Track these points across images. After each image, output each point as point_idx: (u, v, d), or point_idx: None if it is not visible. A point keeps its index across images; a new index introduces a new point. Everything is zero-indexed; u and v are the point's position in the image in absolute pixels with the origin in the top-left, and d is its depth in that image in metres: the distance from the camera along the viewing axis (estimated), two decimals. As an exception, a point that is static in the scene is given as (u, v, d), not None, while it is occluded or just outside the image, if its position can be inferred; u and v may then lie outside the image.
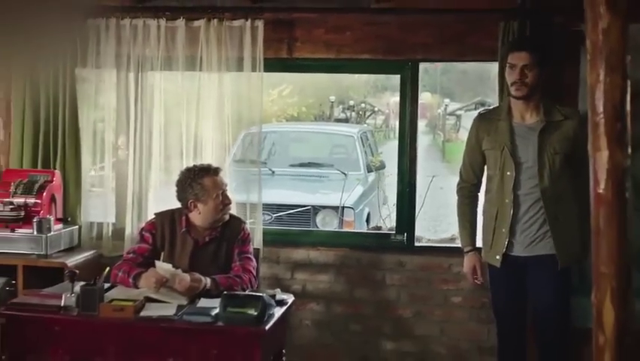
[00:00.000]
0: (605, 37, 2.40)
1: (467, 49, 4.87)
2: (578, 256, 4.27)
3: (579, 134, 4.09)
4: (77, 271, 3.84)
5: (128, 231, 5.03)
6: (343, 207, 8.15)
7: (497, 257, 4.30)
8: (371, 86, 20.82)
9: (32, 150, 5.07)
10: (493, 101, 4.99)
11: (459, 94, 21.73)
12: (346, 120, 19.07)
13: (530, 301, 4.38)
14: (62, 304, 3.66)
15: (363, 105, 20.61)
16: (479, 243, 4.48)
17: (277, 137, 10.10)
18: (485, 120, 4.46)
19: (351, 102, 19.96)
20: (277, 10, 4.92)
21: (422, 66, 5.11)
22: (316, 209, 8.21)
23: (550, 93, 4.46)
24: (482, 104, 13.46)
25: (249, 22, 4.84)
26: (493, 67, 4.82)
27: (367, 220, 8.77)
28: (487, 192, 4.45)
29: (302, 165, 9.54)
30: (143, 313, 3.64)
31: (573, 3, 2.64)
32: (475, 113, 12.23)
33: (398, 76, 5.09)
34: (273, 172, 8.83)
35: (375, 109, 21.32)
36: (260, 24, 4.84)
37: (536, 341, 4.41)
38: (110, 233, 5.12)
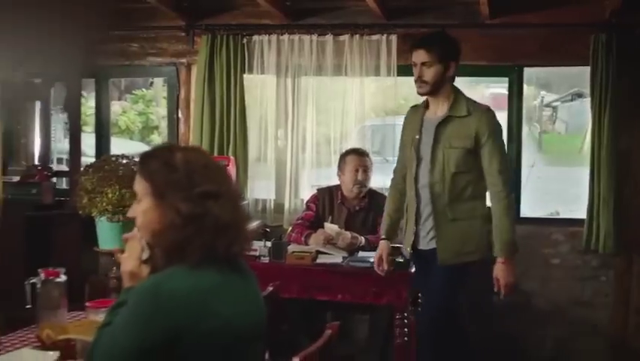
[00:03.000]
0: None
1: (564, 56, 5.76)
2: (471, 256, 4.15)
3: (480, 131, 4.08)
4: (269, 230, 5.05)
5: (286, 205, 6.16)
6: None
7: (408, 249, 4.37)
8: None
9: (209, 140, 6.16)
10: (589, 92, 5.64)
11: (555, 85, 21.86)
12: (440, 112, 19.39)
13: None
14: (257, 253, 4.85)
15: (458, 98, 20.80)
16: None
17: (385, 129, 11.06)
18: (411, 113, 4.43)
19: (447, 95, 20.22)
20: (407, 27, 5.92)
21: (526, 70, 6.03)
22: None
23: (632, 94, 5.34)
24: (579, 95, 13.53)
25: (384, 37, 5.87)
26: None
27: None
28: None
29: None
30: (318, 261, 4.82)
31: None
32: (572, 104, 12.44)
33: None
34: (387, 160, 9.83)
35: (470, 100, 21.50)
36: (394, 38, 5.86)
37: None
38: (272, 207, 6.23)
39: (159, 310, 2.09)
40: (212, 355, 2.15)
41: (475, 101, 4.24)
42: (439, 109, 4.22)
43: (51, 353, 2.71)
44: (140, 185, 2.29)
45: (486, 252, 4.17)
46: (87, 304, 3.26)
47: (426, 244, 4.25)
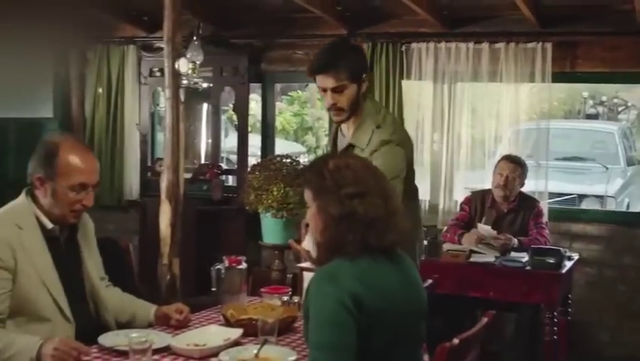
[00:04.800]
0: None
1: None
2: None
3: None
4: (425, 229, 5.32)
5: (440, 206, 6.41)
6: (606, 197, 9.16)
7: None
8: (624, 80, 20.32)
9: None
10: None
11: None
12: (596, 116, 19.01)
13: None
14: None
15: (615, 100, 20.27)
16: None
17: (539, 132, 11.06)
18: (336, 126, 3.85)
19: (604, 98, 19.75)
20: (562, 34, 6.05)
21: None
22: (581, 197, 9.17)
23: None
24: None
25: (539, 45, 5.99)
26: None
27: (627, 209, 9.67)
28: None
29: (565, 158, 10.39)
30: (471, 260, 5.06)
31: None
32: None
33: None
34: (539, 164, 9.86)
35: (629, 104, 20.86)
36: (549, 46, 5.98)
37: None
38: (426, 207, 6.43)
39: (342, 288, 2.38)
40: (377, 333, 2.42)
41: (378, 128, 3.50)
42: (349, 128, 3.60)
43: (236, 329, 3.08)
44: (305, 194, 2.64)
45: None
46: (263, 290, 3.64)
47: None
